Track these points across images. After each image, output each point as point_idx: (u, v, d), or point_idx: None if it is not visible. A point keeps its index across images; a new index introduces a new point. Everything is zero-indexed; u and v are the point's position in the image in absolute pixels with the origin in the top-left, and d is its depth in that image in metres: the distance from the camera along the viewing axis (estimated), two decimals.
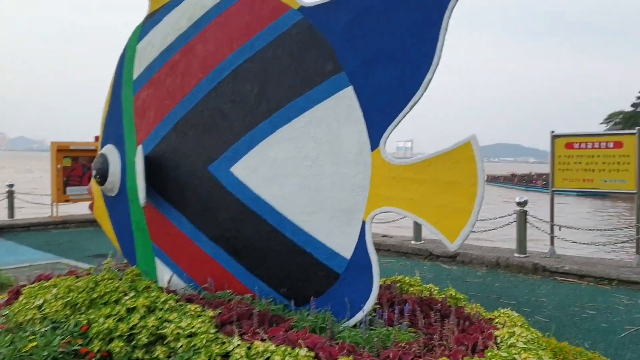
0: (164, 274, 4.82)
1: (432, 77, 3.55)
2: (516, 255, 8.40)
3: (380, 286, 4.55)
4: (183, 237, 4.60)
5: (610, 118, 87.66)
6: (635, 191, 7.64)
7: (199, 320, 3.51)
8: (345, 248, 3.84)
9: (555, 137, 8.40)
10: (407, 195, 3.64)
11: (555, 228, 8.44)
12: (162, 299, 3.76)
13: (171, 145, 4.67)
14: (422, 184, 3.60)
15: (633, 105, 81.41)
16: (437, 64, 3.54)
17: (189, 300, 4.12)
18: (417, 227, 9.62)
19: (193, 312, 3.66)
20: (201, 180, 4.42)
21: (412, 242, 9.62)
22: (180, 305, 3.82)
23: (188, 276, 4.65)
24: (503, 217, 9.05)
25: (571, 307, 6.25)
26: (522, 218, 8.43)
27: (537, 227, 8.53)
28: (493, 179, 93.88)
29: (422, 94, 3.59)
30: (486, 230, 9.37)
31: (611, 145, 7.84)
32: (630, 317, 5.82)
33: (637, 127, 7.78)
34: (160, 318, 3.57)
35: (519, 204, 8.48)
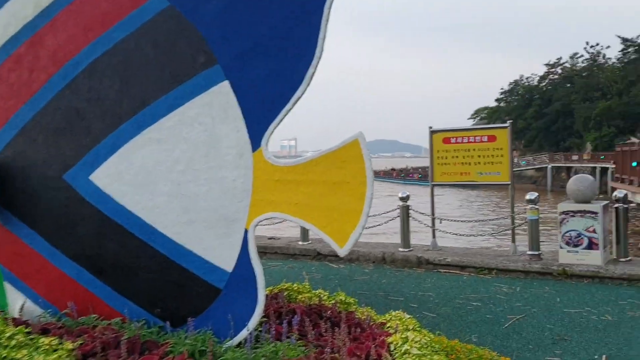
0: (16, 301, 4.15)
1: (314, 71, 3.28)
2: (401, 249, 8.46)
3: (267, 296, 4.23)
4: (37, 256, 3.98)
5: (476, 113, 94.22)
6: (509, 182, 7.95)
7: (54, 356, 2.98)
8: (226, 260, 3.47)
9: (433, 132, 8.55)
10: (292, 198, 3.34)
11: (437, 221, 8.61)
12: (7, 334, 3.17)
13: (18, 151, 4.01)
14: (308, 185, 3.32)
15: (496, 100, 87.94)
16: (320, 56, 3.27)
17: (45, 331, 3.53)
18: (304, 227, 9.42)
19: (47, 347, 3.11)
20: (56, 191, 3.83)
21: (300, 242, 9.40)
22: (32, 339, 3.24)
23: (45, 301, 4.03)
24: (387, 212, 9.09)
25: (456, 300, 6.32)
26: (405, 213, 8.51)
27: (419, 221, 8.65)
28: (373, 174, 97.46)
29: (305, 89, 3.31)
30: (372, 227, 9.37)
31: (485, 139, 8.11)
32: (512, 306, 5.97)
33: (509, 121, 8.12)
34: (4, 358, 2.99)
35: (402, 199, 8.55)
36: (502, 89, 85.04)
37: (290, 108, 3.33)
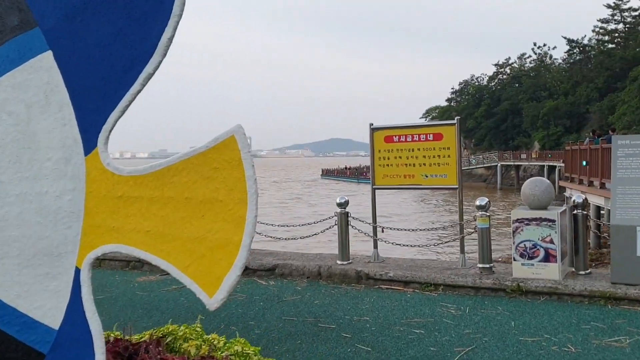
0: None
1: (172, 35, 2.25)
2: (339, 262, 7.49)
3: (145, 342, 3.17)
4: None
5: (427, 113, 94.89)
6: (456, 186, 7.10)
7: None
8: (51, 313, 2.39)
9: (374, 130, 7.62)
10: (142, 224, 2.29)
11: (379, 230, 7.68)
12: None
13: None
14: (164, 205, 2.28)
15: (447, 100, 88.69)
16: (180, 15, 2.24)
17: None
18: None
19: None
20: None
21: None
22: None
23: None
24: (325, 219, 8.10)
25: (396, 326, 5.38)
26: (344, 221, 7.54)
27: (358, 230, 7.70)
28: (327, 172, 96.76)
29: (160, 61, 2.27)
30: (308, 236, 8.39)
31: (431, 137, 7.23)
32: (460, 334, 5.08)
33: (457, 117, 7.26)
34: None
35: (339, 205, 7.58)
36: (452, 88, 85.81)
37: (139, 89, 2.28)
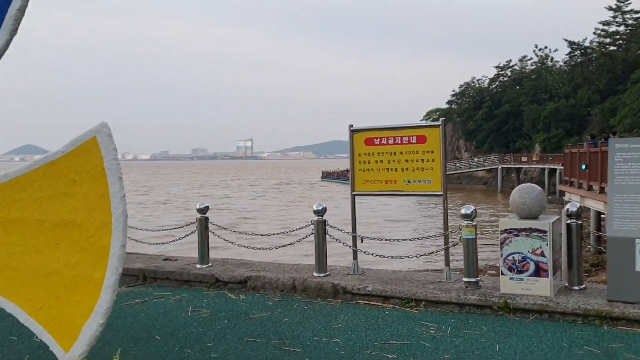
0: None
1: (25, 4, 1.73)
2: (315, 274, 6.95)
3: None
4: None
5: (428, 115, 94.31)
6: (440, 193, 6.55)
7: None
8: None
9: (353, 132, 7.08)
10: None
11: (358, 239, 7.13)
12: None
13: None
14: (10, 229, 1.75)
15: (448, 102, 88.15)
16: None
17: None
18: (202, 245, 7.81)
19: None
20: None
21: (197, 265, 7.78)
22: None
23: None
24: (302, 227, 7.54)
25: (368, 349, 4.85)
26: (321, 230, 7.00)
27: (337, 240, 7.15)
28: (327, 175, 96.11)
29: (9, 40, 1.75)
30: (285, 245, 7.85)
31: (414, 139, 6.69)
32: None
33: (441, 119, 6.72)
34: None
35: (316, 212, 7.04)
36: (453, 90, 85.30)
37: None
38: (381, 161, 6.90)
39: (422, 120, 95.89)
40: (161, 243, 8.67)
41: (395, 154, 6.81)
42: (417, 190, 6.74)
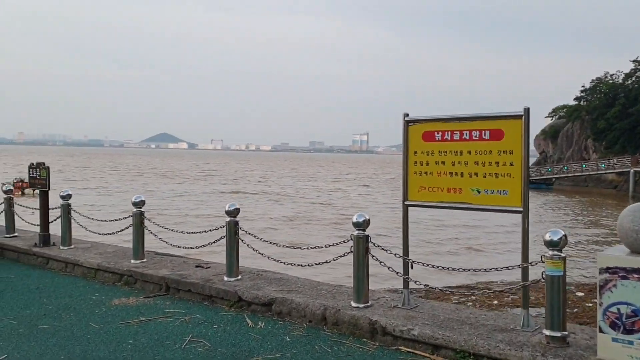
0: None
1: None
2: (353, 304, 5.48)
3: None
4: None
5: (554, 112, 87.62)
6: (520, 209, 4.79)
7: None
8: None
9: (408, 123, 5.49)
10: None
11: (411, 263, 5.51)
12: None
13: None
14: None
15: (576, 99, 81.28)
16: None
17: None
18: (231, 253, 6.60)
19: None
20: None
21: (225, 277, 6.59)
22: None
23: None
24: (338, 243, 6.05)
25: None
26: (362, 248, 5.48)
27: (381, 263, 5.58)
28: None
29: None
30: (318, 264, 6.39)
31: (487, 134, 4.98)
32: None
33: (524, 108, 4.94)
34: None
35: (357, 225, 5.53)
36: (582, 86, 78.35)
37: None
38: (443, 162, 5.26)
39: (547, 117, 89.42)
40: (207, 244, 7.49)
41: (461, 153, 5.14)
42: (489, 203, 5.01)
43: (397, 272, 5.43)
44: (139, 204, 7.64)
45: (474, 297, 8.62)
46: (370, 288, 5.65)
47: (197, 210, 31.97)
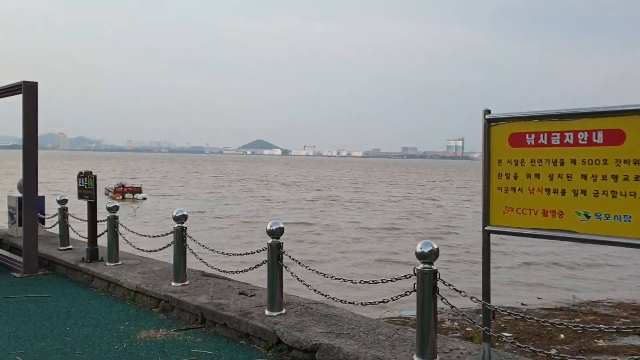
0: None
1: None
2: (416, 359, 4.21)
3: None
4: None
5: None
6: None
7: None
8: None
9: (490, 122, 4.15)
10: None
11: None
12: None
13: None
14: None
15: None
16: None
17: None
18: (273, 282, 5.51)
19: None
20: None
21: (267, 311, 5.53)
22: None
23: None
24: (399, 279, 4.77)
25: None
26: (428, 286, 4.20)
27: (452, 307, 4.24)
28: None
29: None
30: (382, 302, 5.13)
31: (599, 137, 3.57)
32: None
33: None
34: None
35: (421, 256, 4.25)
36: None
37: None
38: (537, 175, 3.89)
39: None
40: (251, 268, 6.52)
41: (563, 163, 3.75)
42: (603, 232, 3.58)
43: (473, 321, 4.09)
44: (181, 218, 6.76)
45: None
46: (438, 333, 4.36)
47: (286, 217, 31.45)
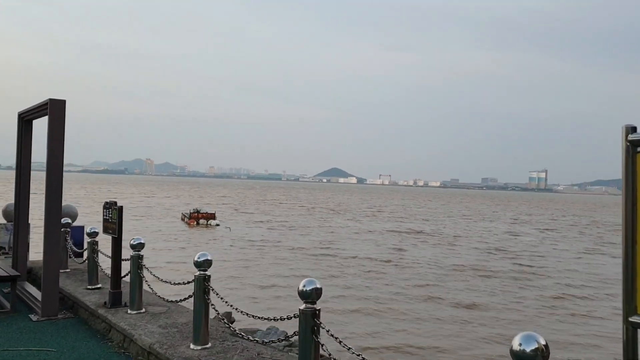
0: None
1: None
2: None
3: None
4: None
5: None
6: None
7: None
8: None
9: (635, 145, 2.56)
10: None
11: None
12: None
13: None
14: None
15: None
16: None
17: None
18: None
19: None
20: None
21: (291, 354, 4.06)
22: None
23: None
24: None
25: None
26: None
27: None
28: None
29: None
30: None
31: None
32: None
33: None
34: None
35: (518, 355, 2.67)
36: None
37: None
38: None
39: None
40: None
41: None
42: None
43: None
44: (203, 264, 5.45)
45: None
46: None
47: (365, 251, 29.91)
